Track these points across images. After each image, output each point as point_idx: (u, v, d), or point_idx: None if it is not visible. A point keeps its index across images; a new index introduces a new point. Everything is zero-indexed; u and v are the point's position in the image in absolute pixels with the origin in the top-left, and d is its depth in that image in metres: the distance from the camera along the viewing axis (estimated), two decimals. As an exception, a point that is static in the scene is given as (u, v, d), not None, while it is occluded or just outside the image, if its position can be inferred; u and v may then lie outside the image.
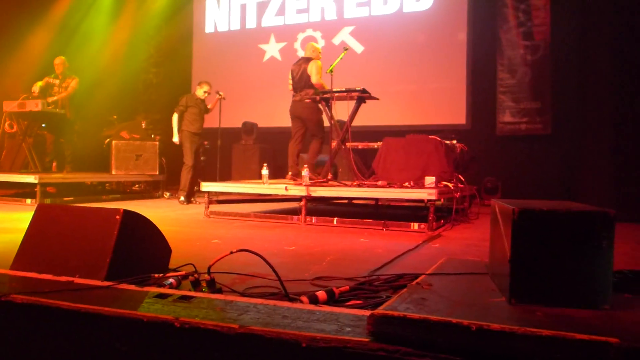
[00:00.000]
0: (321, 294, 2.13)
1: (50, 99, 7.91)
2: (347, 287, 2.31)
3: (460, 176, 5.88)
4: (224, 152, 9.45)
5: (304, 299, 2.09)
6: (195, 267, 2.50)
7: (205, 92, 7.69)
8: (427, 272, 2.25)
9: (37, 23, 10.38)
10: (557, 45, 7.89)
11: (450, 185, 5.35)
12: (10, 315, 1.98)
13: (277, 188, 5.50)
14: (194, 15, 11.28)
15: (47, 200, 6.82)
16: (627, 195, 6.09)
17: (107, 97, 10.44)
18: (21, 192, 7.48)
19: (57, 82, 8.11)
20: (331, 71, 6.02)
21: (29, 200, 6.90)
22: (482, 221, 5.71)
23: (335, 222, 5.23)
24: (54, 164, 8.30)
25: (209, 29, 11.11)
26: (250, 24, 10.68)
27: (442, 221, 5.23)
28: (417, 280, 2.09)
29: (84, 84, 8.40)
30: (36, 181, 6.75)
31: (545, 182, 7.69)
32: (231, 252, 2.25)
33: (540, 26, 8.02)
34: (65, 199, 7.16)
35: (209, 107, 7.86)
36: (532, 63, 8.07)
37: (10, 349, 1.99)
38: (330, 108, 6.10)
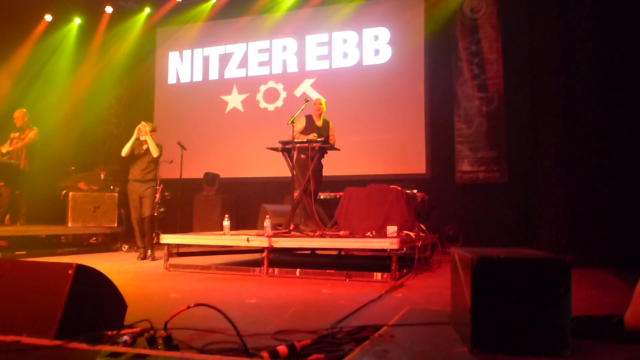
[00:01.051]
0: (282, 349, 2.08)
1: (3, 149, 7.74)
2: (309, 341, 2.26)
3: (421, 225, 5.93)
4: (185, 203, 9.35)
5: (264, 354, 2.03)
6: (151, 323, 2.41)
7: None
8: (390, 323, 2.23)
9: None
10: (509, 96, 8.23)
11: (412, 234, 5.38)
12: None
13: (239, 239, 5.43)
14: (156, 67, 11.31)
15: (-2, 255, 6.56)
16: (582, 240, 6.25)
17: (66, 147, 10.28)
18: (-30, 246, 7.18)
19: (17, 134, 7.98)
20: (292, 122, 6.09)
21: (-22, 255, 6.62)
22: (444, 269, 5.73)
23: (297, 273, 5.17)
24: (7, 217, 8.00)
25: (171, 80, 11.15)
26: (213, 75, 10.77)
27: (404, 270, 5.22)
28: (380, 332, 2.07)
29: (42, 134, 8.25)
30: (-13, 235, 6.50)
31: (504, 229, 7.84)
32: (189, 307, 2.19)
33: (494, 79, 8.36)
34: (17, 252, 6.88)
35: (145, 147, 6.92)
36: (487, 114, 8.36)
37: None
38: (291, 159, 6.13)
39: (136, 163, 6.94)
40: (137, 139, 6.92)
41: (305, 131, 6.55)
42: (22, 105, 8.57)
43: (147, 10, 10.94)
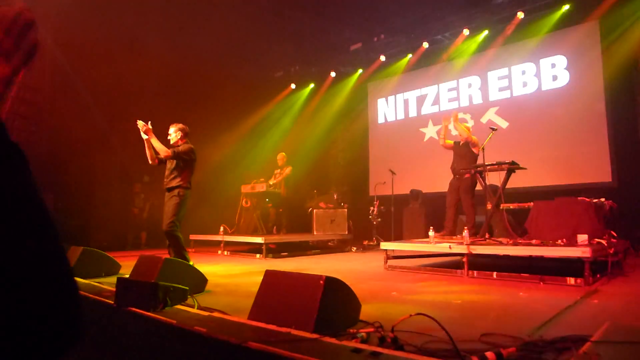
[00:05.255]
0: (490, 355, 1.91)
1: (270, 181, 8.74)
2: (514, 349, 2.04)
3: (612, 232, 5.05)
4: (397, 214, 9.40)
5: (475, 358, 1.89)
6: (381, 324, 2.43)
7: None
8: (592, 339, 1.90)
9: (262, 133, 11.69)
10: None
11: (604, 241, 4.59)
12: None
13: (442, 247, 5.24)
14: (369, 111, 11.69)
15: (270, 255, 7.35)
16: None
17: (309, 177, 11.18)
18: (253, 248, 8.20)
19: (278, 170, 8.97)
20: (483, 149, 5.74)
21: (258, 255, 7.51)
22: (639, 274, 4.77)
23: (494, 275, 4.79)
24: (275, 228, 8.98)
25: (380, 120, 11.41)
26: (412, 113, 10.74)
27: (597, 275, 4.46)
28: (584, 348, 1.77)
29: (294, 170, 9.13)
30: (262, 241, 7.35)
31: None
32: (410, 316, 2.15)
33: (683, 89, 6.79)
34: (282, 253, 7.63)
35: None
36: (677, 122, 6.81)
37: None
38: (484, 179, 5.75)
39: (165, 171, 4.65)
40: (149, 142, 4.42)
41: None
42: (280, 149, 9.61)
43: (360, 70, 11.42)
